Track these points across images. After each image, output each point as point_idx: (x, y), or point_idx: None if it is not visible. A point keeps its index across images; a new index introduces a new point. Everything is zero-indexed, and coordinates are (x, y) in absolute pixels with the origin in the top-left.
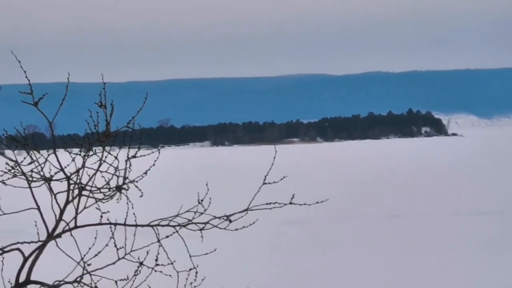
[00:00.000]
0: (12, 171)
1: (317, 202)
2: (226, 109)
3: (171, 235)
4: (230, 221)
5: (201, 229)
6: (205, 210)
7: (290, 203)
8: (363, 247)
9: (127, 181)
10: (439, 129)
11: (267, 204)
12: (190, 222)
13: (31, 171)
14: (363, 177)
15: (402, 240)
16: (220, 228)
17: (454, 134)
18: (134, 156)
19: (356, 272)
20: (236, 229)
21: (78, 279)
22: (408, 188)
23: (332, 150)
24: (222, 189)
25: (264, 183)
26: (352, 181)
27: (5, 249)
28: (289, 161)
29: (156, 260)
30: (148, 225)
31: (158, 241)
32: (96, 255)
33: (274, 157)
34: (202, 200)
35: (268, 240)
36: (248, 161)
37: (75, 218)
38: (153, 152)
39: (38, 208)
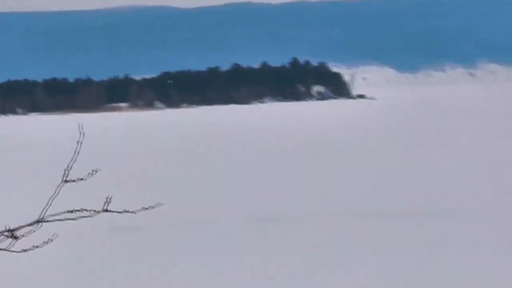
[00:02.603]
0: None
1: (145, 209)
2: (19, 59)
3: None
4: (15, 238)
5: None
6: None
7: (105, 210)
8: (208, 260)
9: None
10: (338, 88)
11: (69, 212)
12: None
13: None
14: (220, 164)
15: (259, 252)
16: (0, 249)
17: (361, 96)
18: None
19: None
20: (24, 250)
21: None
22: (282, 182)
23: (178, 120)
24: (4, 187)
25: (64, 181)
26: (204, 171)
27: None
28: (110, 141)
29: None
30: None
31: None
32: None
33: (81, 142)
34: None
35: (75, 261)
36: (49, 141)
37: None
38: None
39: None
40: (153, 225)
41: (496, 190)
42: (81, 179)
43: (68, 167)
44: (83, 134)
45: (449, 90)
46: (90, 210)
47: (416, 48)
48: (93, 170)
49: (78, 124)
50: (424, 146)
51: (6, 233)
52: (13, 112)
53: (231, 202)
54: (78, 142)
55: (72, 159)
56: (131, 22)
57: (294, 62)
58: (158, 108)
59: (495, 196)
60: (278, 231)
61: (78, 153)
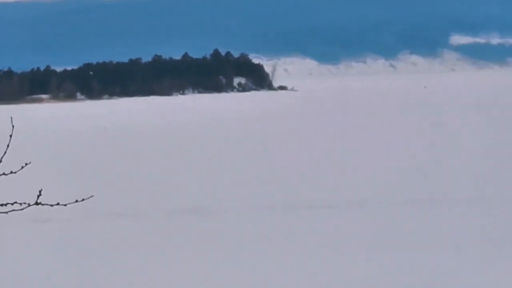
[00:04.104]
0: None
1: (76, 201)
2: None
3: None
4: None
5: None
6: None
7: (37, 203)
8: (140, 254)
9: None
10: (260, 80)
11: (1, 205)
12: None
13: None
14: (146, 156)
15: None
16: None
17: (282, 88)
18: None
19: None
20: None
21: None
22: (206, 174)
23: (99, 112)
24: None
25: None
26: (129, 163)
27: None
28: (37, 132)
29: None
30: None
31: None
32: None
33: (11, 136)
34: None
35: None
36: None
37: None
38: None
39: None
40: (78, 217)
41: (405, 180)
42: (12, 172)
43: (0, 161)
44: (13, 127)
45: (370, 81)
46: (22, 203)
47: (337, 39)
48: (25, 163)
49: (10, 118)
50: (344, 136)
51: None
52: None
53: (157, 195)
54: (9, 136)
55: (5, 152)
56: (53, 13)
57: (215, 53)
58: (79, 100)
59: (400, 188)
60: (204, 223)
61: (8, 146)
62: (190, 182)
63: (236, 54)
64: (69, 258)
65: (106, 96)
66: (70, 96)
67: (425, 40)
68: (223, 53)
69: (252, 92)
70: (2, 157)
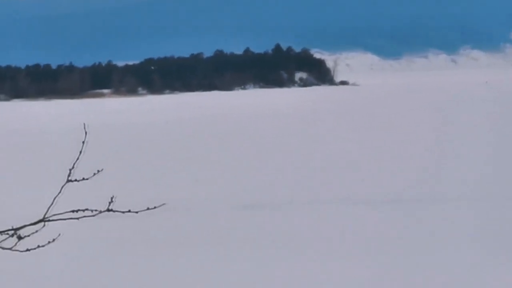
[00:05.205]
0: None
1: (148, 209)
2: (1, 45)
3: None
4: (20, 238)
5: None
6: None
7: (108, 210)
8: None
9: None
10: (321, 75)
11: (73, 211)
12: None
13: None
14: (214, 154)
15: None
16: (4, 249)
17: (343, 83)
18: None
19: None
20: (28, 250)
21: None
22: (268, 169)
23: (161, 107)
24: (1, 185)
25: (68, 181)
26: (195, 158)
27: None
28: (99, 129)
29: None
30: None
31: None
32: None
33: (85, 142)
34: None
35: (77, 263)
36: (38, 131)
37: None
38: None
39: None
40: (143, 215)
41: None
42: (84, 178)
43: (73, 167)
44: (87, 134)
45: (432, 76)
46: (93, 210)
47: (399, 34)
48: (97, 170)
49: (83, 124)
50: (408, 131)
51: (10, 232)
52: None
53: (224, 190)
54: (83, 142)
55: (77, 158)
56: (114, 7)
57: (277, 48)
58: (140, 94)
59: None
60: (264, 218)
61: (81, 152)
62: (251, 177)
63: (297, 49)
64: (126, 253)
65: (167, 91)
66: (131, 91)
67: (487, 35)
68: (284, 48)
69: (314, 87)
70: (75, 163)
